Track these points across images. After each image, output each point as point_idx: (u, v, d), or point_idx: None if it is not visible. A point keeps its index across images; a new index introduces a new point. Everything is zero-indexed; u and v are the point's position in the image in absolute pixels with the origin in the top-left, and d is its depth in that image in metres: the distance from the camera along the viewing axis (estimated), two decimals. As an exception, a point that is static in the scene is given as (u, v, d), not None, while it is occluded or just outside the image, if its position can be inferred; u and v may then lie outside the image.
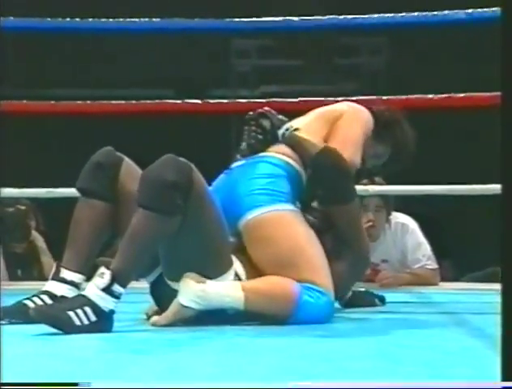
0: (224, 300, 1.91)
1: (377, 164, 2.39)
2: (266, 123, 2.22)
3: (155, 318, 1.93)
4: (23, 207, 3.64)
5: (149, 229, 1.85)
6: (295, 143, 2.18)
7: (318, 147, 2.15)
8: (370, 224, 3.23)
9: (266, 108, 2.26)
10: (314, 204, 2.17)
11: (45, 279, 3.61)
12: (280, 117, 2.24)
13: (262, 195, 2.07)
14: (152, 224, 1.85)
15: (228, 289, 1.93)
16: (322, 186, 2.13)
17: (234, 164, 2.20)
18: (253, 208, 2.05)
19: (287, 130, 2.21)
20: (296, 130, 2.21)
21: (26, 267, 3.80)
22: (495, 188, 2.74)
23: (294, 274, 2.00)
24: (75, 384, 1.18)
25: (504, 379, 1.14)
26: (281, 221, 2.06)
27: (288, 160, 2.17)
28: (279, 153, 2.18)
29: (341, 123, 2.23)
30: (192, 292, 1.90)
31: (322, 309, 2.00)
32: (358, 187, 2.96)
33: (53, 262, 3.77)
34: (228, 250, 1.99)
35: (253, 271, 2.02)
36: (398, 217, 3.35)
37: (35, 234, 3.80)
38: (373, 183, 3.28)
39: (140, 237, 1.85)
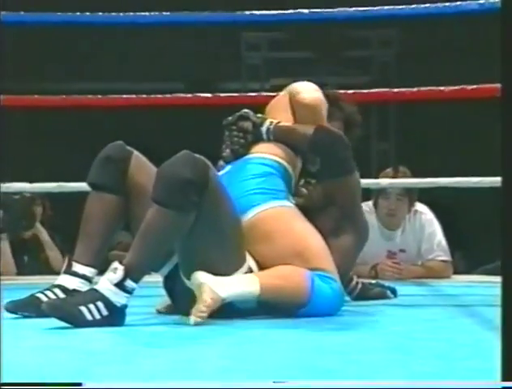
0: (241, 288, 1.91)
1: None
2: (247, 125, 2.22)
3: (193, 318, 1.83)
4: (28, 195, 3.65)
5: (163, 225, 1.85)
6: (284, 135, 2.19)
7: (310, 129, 2.16)
8: (387, 211, 3.23)
9: (245, 109, 2.26)
10: (312, 183, 2.20)
11: (52, 272, 3.64)
12: (258, 115, 2.24)
13: (256, 195, 2.08)
14: (167, 221, 1.84)
15: (242, 279, 1.94)
16: (326, 162, 2.15)
17: (221, 172, 2.16)
18: (249, 208, 2.06)
19: (270, 125, 2.21)
20: (278, 123, 2.21)
21: (32, 255, 3.80)
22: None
23: (302, 265, 2.01)
24: (79, 384, 1.18)
25: (504, 379, 1.14)
26: (279, 217, 2.07)
27: (275, 157, 2.17)
28: (264, 153, 2.18)
29: (304, 112, 2.21)
30: (218, 281, 1.89)
31: (335, 295, 2.01)
32: (370, 181, 2.97)
33: (59, 254, 3.81)
34: (243, 245, 1.99)
35: (260, 265, 2.02)
36: (418, 207, 3.35)
37: (38, 227, 3.80)
38: (397, 173, 3.28)
39: (154, 233, 1.85)
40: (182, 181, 1.84)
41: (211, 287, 1.87)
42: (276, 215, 2.07)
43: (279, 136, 2.19)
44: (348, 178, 2.16)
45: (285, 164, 2.18)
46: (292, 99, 2.24)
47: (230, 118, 2.25)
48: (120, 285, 1.81)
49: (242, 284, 1.92)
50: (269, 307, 1.97)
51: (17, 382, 1.19)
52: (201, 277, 1.89)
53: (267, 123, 2.21)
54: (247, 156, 2.19)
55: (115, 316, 1.82)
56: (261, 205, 2.06)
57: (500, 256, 1.19)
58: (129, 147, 2.08)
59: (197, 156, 1.89)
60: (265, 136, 2.21)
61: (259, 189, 2.09)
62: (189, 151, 1.89)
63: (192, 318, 1.84)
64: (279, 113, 2.26)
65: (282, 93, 2.30)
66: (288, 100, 2.25)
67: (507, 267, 1.16)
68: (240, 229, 1.98)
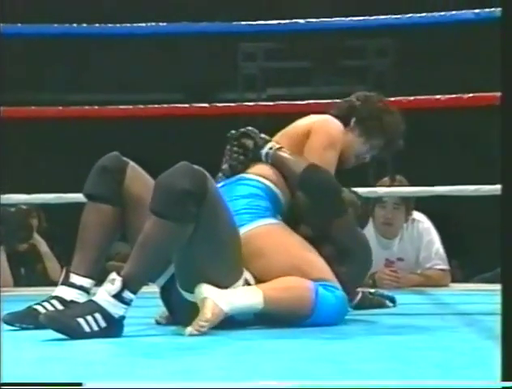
0: (244, 302, 1.91)
1: (375, 154, 2.39)
2: (248, 143, 2.22)
3: (190, 329, 1.84)
4: (24, 207, 3.64)
5: (161, 236, 1.84)
6: (280, 163, 2.18)
7: (303, 165, 2.14)
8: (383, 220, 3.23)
9: (249, 127, 2.25)
10: (307, 218, 2.16)
11: (50, 282, 3.64)
12: (263, 135, 2.23)
13: (244, 214, 2.07)
14: (165, 232, 1.84)
15: (246, 292, 1.93)
16: (311, 203, 2.12)
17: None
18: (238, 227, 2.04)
19: (270, 149, 2.20)
20: (279, 149, 2.20)
21: (29, 267, 3.80)
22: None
23: (302, 277, 2.01)
24: (79, 384, 1.18)
25: (504, 379, 1.14)
26: (269, 234, 2.07)
27: (266, 181, 2.17)
28: (257, 175, 2.18)
29: (311, 146, 2.20)
30: (221, 295, 1.89)
31: (340, 303, 2.01)
32: (366, 190, 2.96)
33: (58, 265, 3.80)
34: (241, 256, 1.99)
35: (257, 281, 2.01)
36: (415, 216, 3.35)
37: (37, 238, 3.80)
38: (394, 181, 3.28)
39: (152, 244, 1.85)
40: (180, 192, 1.84)
41: (215, 301, 1.87)
42: (266, 232, 2.07)
43: (276, 162, 2.19)
44: (335, 221, 2.11)
45: (275, 188, 2.17)
46: (310, 128, 2.23)
47: (234, 132, 2.25)
48: (118, 296, 1.81)
49: (246, 297, 1.91)
50: (271, 319, 1.97)
51: (17, 382, 1.19)
52: (205, 291, 1.89)
53: (268, 146, 2.20)
54: (241, 175, 2.20)
55: (113, 327, 1.81)
56: (249, 224, 2.06)
57: (499, 261, 1.19)
58: (125, 158, 2.08)
59: (195, 166, 1.89)
60: (263, 158, 2.20)
61: (247, 208, 2.10)
62: (187, 162, 1.89)
63: (188, 330, 1.84)
64: (286, 140, 2.24)
65: (303, 123, 2.27)
66: (305, 132, 2.23)
67: (506, 271, 1.16)
68: (238, 240, 1.98)
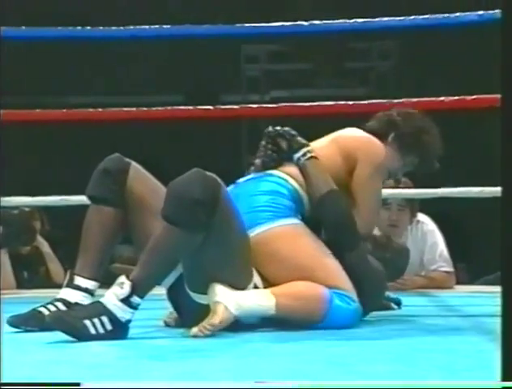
0: (256, 307, 1.91)
1: (408, 170, 2.37)
2: (283, 144, 2.18)
3: (195, 330, 1.85)
4: (27, 209, 3.64)
5: (172, 243, 1.84)
6: (306, 174, 2.14)
7: (325, 188, 2.10)
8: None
9: (287, 128, 2.22)
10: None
11: (53, 284, 3.64)
12: (299, 139, 2.19)
13: (263, 212, 2.05)
14: (175, 239, 1.84)
15: (259, 296, 1.93)
16: (324, 230, 2.10)
17: (241, 179, 2.17)
18: (255, 226, 2.03)
19: (303, 155, 2.16)
20: (311, 157, 2.15)
21: (32, 269, 3.80)
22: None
23: (318, 282, 1.99)
24: (77, 384, 1.17)
25: (504, 379, 1.14)
26: (286, 236, 2.04)
27: (293, 182, 2.14)
28: (285, 173, 2.15)
29: (359, 177, 2.15)
30: (234, 298, 1.89)
31: (353, 314, 2.00)
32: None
33: (61, 267, 3.80)
34: (250, 262, 1.98)
35: (268, 283, 2.01)
36: (419, 217, 3.34)
37: (40, 240, 3.80)
38: (399, 183, 3.27)
39: (162, 250, 1.85)
40: (193, 201, 1.83)
41: (226, 306, 1.87)
42: (284, 233, 2.04)
43: (303, 171, 2.14)
44: (346, 253, 2.08)
45: (301, 191, 2.13)
46: (357, 153, 2.17)
47: (271, 130, 2.21)
48: (126, 301, 1.81)
49: (258, 302, 1.91)
50: (279, 322, 1.96)
51: (17, 382, 1.19)
52: (218, 292, 1.88)
53: (302, 152, 2.16)
54: (269, 172, 2.16)
55: (118, 331, 1.81)
56: (267, 223, 2.03)
57: (499, 264, 1.18)
58: (127, 159, 2.08)
59: (208, 174, 1.88)
60: (295, 161, 2.17)
61: (267, 206, 2.07)
62: (200, 170, 1.88)
63: (194, 331, 1.84)
64: (330, 148, 2.19)
65: (350, 140, 2.21)
66: (351, 154, 2.17)
67: (506, 273, 1.16)
68: (248, 247, 1.97)
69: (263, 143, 2.21)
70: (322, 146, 2.21)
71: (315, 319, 1.97)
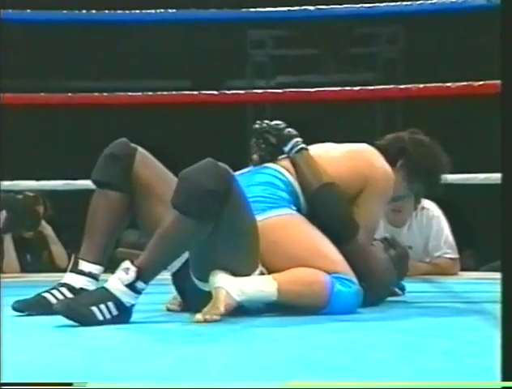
0: (258, 293, 1.91)
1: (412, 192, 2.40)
2: (272, 139, 2.19)
3: (199, 317, 1.84)
4: (31, 194, 3.65)
5: (181, 232, 1.84)
6: (297, 166, 2.14)
7: (316, 182, 2.10)
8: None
9: (274, 122, 2.21)
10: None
11: (56, 267, 3.65)
12: (286, 131, 2.18)
13: (259, 203, 2.05)
14: (185, 228, 1.84)
15: (261, 282, 1.93)
16: (320, 223, 2.09)
17: (238, 172, 2.16)
18: None
19: (292, 148, 2.16)
20: (302, 149, 2.16)
21: (35, 253, 3.82)
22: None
23: (317, 269, 1.99)
24: (84, 384, 1.17)
25: (504, 379, 1.13)
26: (284, 226, 2.05)
27: (288, 174, 2.14)
28: (281, 166, 2.16)
29: (365, 200, 2.15)
30: (236, 285, 1.89)
31: (355, 298, 2.01)
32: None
33: (64, 250, 3.81)
34: (258, 251, 1.98)
35: (267, 272, 2.00)
36: (425, 204, 3.33)
37: (43, 224, 3.81)
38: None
39: (171, 238, 1.84)
40: (205, 191, 1.82)
41: (229, 291, 1.87)
42: (280, 223, 2.05)
43: (295, 164, 2.15)
44: (341, 246, 2.07)
45: (296, 183, 2.13)
46: (368, 177, 2.16)
47: (257, 127, 2.21)
48: (131, 286, 1.81)
49: (260, 287, 1.91)
50: (283, 308, 1.97)
51: (17, 382, 1.19)
52: (219, 279, 1.88)
53: (291, 144, 2.16)
54: (266, 165, 2.18)
55: (123, 315, 1.82)
56: (263, 214, 2.03)
57: (500, 253, 1.18)
58: (133, 144, 2.07)
59: (220, 164, 1.88)
60: (286, 154, 2.16)
61: (262, 196, 2.08)
62: (212, 160, 1.87)
63: (197, 317, 1.84)
64: (340, 156, 2.18)
65: (359, 163, 2.19)
66: (360, 176, 2.16)
67: (507, 264, 1.16)
68: (257, 235, 1.96)
69: (253, 139, 2.21)
70: (334, 156, 2.20)
71: (319, 305, 1.97)
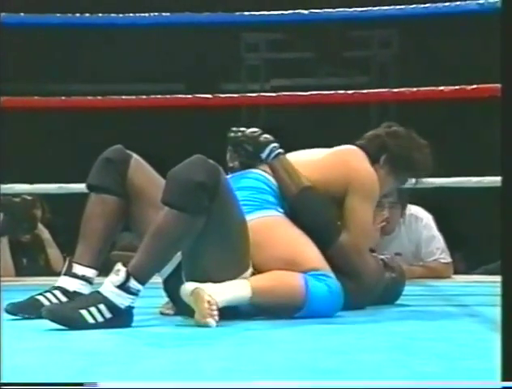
0: (232, 296, 1.91)
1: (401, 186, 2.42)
2: (248, 147, 2.20)
3: (206, 320, 1.83)
4: (29, 198, 3.64)
5: (173, 228, 1.84)
6: (276, 171, 2.16)
7: (295, 188, 2.13)
8: (383, 223, 3.22)
9: (249, 130, 2.21)
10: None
11: (52, 271, 3.64)
12: (262, 138, 2.19)
13: (245, 206, 2.05)
14: (178, 223, 1.84)
15: (234, 285, 1.93)
16: (302, 226, 2.11)
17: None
18: None
19: (268, 155, 2.17)
20: (279, 154, 2.17)
21: (31, 257, 3.81)
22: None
23: (295, 270, 2.01)
24: (80, 384, 1.17)
25: (504, 379, 1.14)
26: (267, 227, 2.07)
27: (271, 178, 2.16)
28: (263, 170, 2.18)
29: (352, 206, 2.17)
30: (208, 285, 1.88)
31: (332, 292, 2.01)
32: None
33: (60, 253, 3.80)
34: (249, 250, 1.98)
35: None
36: (412, 209, 3.34)
37: (40, 227, 3.80)
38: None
39: (164, 235, 1.84)
40: (195, 184, 1.84)
41: (205, 290, 1.86)
42: (263, 225, 2.06)
43: (273, 170, 2.17)
44: (326, 250, 2.09)
45: (276, 188, 2.16)
46: (350, 182, 2.17)
47: (232, 135, 2.22)
48: (123, 287, 1.81)
49: (233, 288, 1.92)
50: (265, 310, 1.97)
51: (17, 382, 1.19)
52: (190, 286, 1.88)
53: (268, 150, 2.17)
54: (248, 170, 2.19)
55: (119, 318, 1.81)
56: (249, 215, 2.04)
57: (499, 254, 1.18)
58: (128, 151, 2.09)
59: (209, 160, 1.89)
60: (264, 160, 2.18)
61: (247, 200, 2.09)
62: (201, 156, 1.89)
63: (206, 321, 1.82)
64: (322, 176, 2.18)
65: (340, 170, 2.20)
66: (342, 181, 2.17)
67: (507, 265, 1.16)
68: (247, 234, 1.97)
69: (230, 148, 2.22)
70: (314, 159, 2.22)
71: (296, 302, 1.97)
